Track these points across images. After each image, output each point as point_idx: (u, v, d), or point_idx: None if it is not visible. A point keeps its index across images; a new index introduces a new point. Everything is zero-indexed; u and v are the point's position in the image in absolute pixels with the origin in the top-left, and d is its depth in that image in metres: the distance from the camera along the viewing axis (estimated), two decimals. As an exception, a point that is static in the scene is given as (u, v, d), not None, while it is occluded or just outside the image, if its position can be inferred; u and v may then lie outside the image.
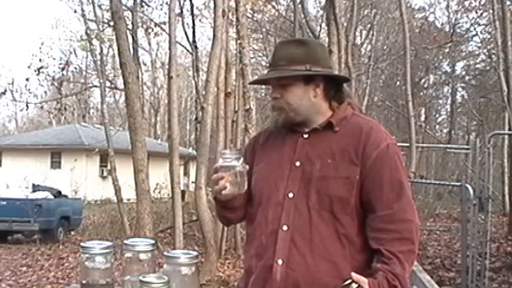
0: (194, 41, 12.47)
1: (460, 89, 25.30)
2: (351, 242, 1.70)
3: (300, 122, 1.80)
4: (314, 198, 1.71)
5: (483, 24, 20.76)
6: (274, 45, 1.95)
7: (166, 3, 13.11)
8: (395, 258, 1.64)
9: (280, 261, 1.69)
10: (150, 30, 17.11)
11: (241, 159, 1.72)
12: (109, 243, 1.82)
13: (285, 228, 1.71)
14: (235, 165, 1.70)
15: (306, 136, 1.81)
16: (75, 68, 20.52)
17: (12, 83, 15.64)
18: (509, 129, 13.34)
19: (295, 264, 1.68)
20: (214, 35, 8.20)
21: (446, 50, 21.68)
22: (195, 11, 13.43)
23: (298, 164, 1.76)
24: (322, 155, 1.74)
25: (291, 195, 1.73)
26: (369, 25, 21.92)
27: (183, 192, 14.24)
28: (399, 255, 1.65)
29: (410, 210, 1.71)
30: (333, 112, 1.82)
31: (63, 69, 16.30)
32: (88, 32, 14.23)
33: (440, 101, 27.80)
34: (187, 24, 14.10)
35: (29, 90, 15.93)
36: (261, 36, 20.32)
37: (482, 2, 19.84)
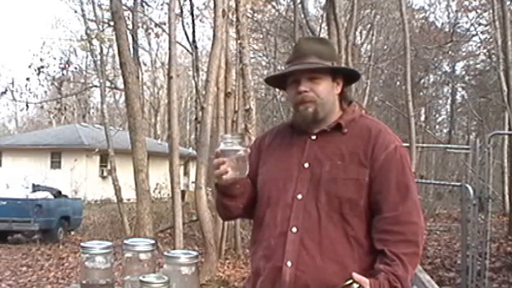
0: (194, 41, 12.47)
1: (460, 89, 25.29)
2: (359, 244, 1.70)
3: (322, 118, 1.80)
4: (323, 200, 1.70)
5: (483, 24, 20.76)
6: (297, 41, 1.93)
7: (166, 3, 13.11)
8: (399, 260, 1.64)
9: (289, 263, 1.69)
10: (150, 30, 17.11)
11: (243, 143, 1.70)
12: (109, 243, 1.82)
13: (294, 230, 1.71)
14: (237, 149, 1.68)
15: (314, 137, 1.80)
16: (75, 68, 20.52)
17: (12, 83, 15.59)
18: (509, 129, 13.34)
19: (305, 266, 1.68)
20: (214, 35, 8.20)
21: (446, 50, 21.66)
22: (195, 11, 13.45)
23: (306, 165, 1.76)
24: (331, 156, 1.74)
25: (299, 196, 1.72)
26: (369, 25, 21.89)
27: (183, 192, 14.24)
28: (403, 257, 1.65)
29: (416, 212, 1.71)
30: (342, 113, 1.83)
31: (63, 69, 16.30)
32: (88, 32, 14.22)
33: (440, 101, 27.79)
34: (187, 24, 14.13)
35: (29, 90, 15.91)
36: (261, 36, 20.30)
37: (482, 2, 19.84)
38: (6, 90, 15.38)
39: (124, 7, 11.07)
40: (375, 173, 1.71)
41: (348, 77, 1.88)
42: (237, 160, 1.68)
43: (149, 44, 29.38)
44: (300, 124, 1.83)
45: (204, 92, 8.70)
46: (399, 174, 1.72)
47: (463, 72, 24.71)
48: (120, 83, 15.13)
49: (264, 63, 22.89)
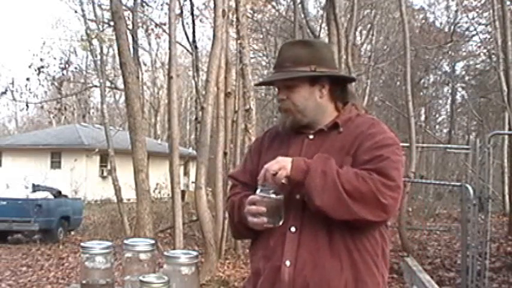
0: (194, 41, 12.48)
1: (460, 89, 25.29)
2: (358, 241, 1.71)
3: (307, 124, 1.81)
4: None
5: (483, 24, 20.76)
6: (280, 46, 1.95)
7: (166, 3, 13.12)
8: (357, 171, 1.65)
9: (288, 263, 1.69)
10: (150, 31, 17.12)
11: (279, 191, 1.69)
12: (109, 243, 1.81)
13: (292, 229, 1.72)
14: (274, 198, 1.69)
15: (311, 137, 1.81)
16: (75, 68, 20.52)
17: (12, 83, 15.56)
18: (509, 129, 13.33)
19: (304, 264, 1.68)
20: (214, 35, 8.20)
21: (446, 50, 21.65)
22: (195, 11, 13.44)
23: None
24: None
25: (297, 196, 1.72)
26: (369, 25, 21.90)
27: (183, 192, 14.23)
28: (363, 173, 1.64)
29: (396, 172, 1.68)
30: (338, 113, 1.83)
31: (63, 69, 16.29)
32: (88, 32, 14.22)
33: (440, 101, 27.78)
34: (187, 24, 14.13)
35: (29, 90, 15.87)
36: (261, 36, 20.31)
37: (482, 2, 19.83)
38: (6, 90, 15.37)
39: (124, 7, 11.07)
40: (357, 157, 1.72)
41: (336, 79, 1.87)
42: (272, 209, 1.69)
43: (149, 44, 29.39)
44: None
45: (204, 92, 8.69)
46: (380, 151, 1.70)
47: (463, 72, 24.71)
48: (120, 83, 15.13)
49: (264, 63, 22.89)
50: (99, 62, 14.71)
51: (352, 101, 1.88)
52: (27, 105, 15.88)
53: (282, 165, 1.66)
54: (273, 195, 1.68)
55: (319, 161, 1.67)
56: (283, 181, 1.67)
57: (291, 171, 1.66)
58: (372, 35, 21.24)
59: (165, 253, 1.67)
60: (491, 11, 15.41)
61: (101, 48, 15.15)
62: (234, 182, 1.99)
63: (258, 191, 1.71)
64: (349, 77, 2.13)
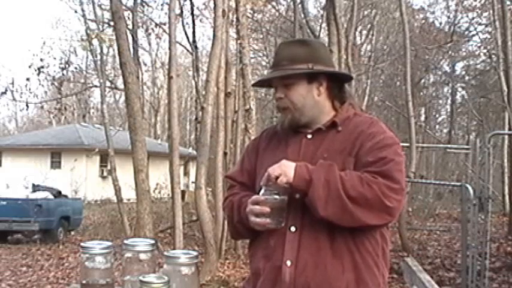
0: (194, 41, 12.48)
1: (460, 89, 25.30)
2: (358, 240, 1.70)
3: (305, 123, 1.81)
4: None
5: (483, 24, 20.77)
6: (277, 46, 1.94)
7: (166, 3, 13.12)
8: (360, 174, 1.64)
9: (289, 263, 1.69)
10: (150, 31, 17.12)
11: (282, 193, 1.69)
12: (109, 243, 1.81)
13: (292, 229, 1.71)
14: (278, 200, 1.68)
15: (309, 137, 1.81)
16: (75, 68, 20.50)
17: (12, 83, 15.54)
18: (509, 129, 13.33)
19: (304, 264, 1.68)
20: (214, 35, 8.20)
21: (446, 50, 21.64)
22: (195, 11, 13.45)
23: None
24: (325, 155, 1.74)
25: (297, 196, 1.71)
26: (369, 25, 21.92)
27: (183, 192, 14.24)
28: (367, 174, 1.63)
29: (398, 173, 1.67)
30: (336, 112, 1.83)
31: (63, 69, 16.29)
32: (88, 32, 14.22)
33: (440, 101, 27.80)
34: (187, 24, 14.14)
35: (29, 90, 15.86)
36: (261, 36, 20.32)
37: (482, 2, 19.83)
38: (6, 90, 15.35)
39: (124, 7, 11.07)
40: (359, 156, 1.71)
41: (334, 77, 1.86)
42: (276, 210, 1.69)
43: (149, 44, 29.36)
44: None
45: (204, 92, 8.69)
46: (383, 152, 1.69)
47: (463, 72, 24.71)
48: (120, 83, 15.11)
49: (264, 63, 22.90)
50: (99, 62, 14.68)
51: (350, 101, 1.87)
52: (27, 105, 15.88)
53: (283, 170, 1.65)
54: (277, 196, 1.68)
55: (321, 169, 1.66)
56: (285, 185, 1.67)
57: (294, 179, 1.65)
58: (372, 35, 21.25)
59: (165, 253, 1.67)
60: (491, 11, 15.41)
61: (101, 48, 15.12)
62: (231, 183, 1.98)
63: (262, 192, 1.70)
64: (346, 75, 2.11)
